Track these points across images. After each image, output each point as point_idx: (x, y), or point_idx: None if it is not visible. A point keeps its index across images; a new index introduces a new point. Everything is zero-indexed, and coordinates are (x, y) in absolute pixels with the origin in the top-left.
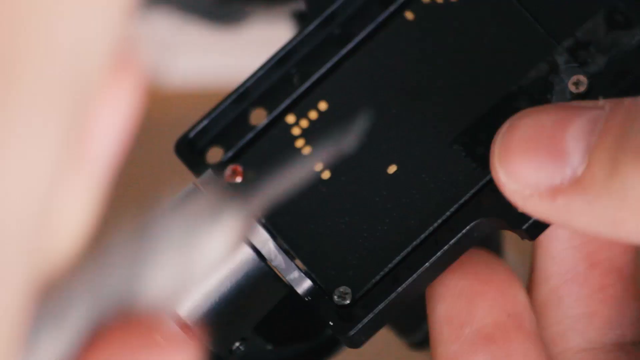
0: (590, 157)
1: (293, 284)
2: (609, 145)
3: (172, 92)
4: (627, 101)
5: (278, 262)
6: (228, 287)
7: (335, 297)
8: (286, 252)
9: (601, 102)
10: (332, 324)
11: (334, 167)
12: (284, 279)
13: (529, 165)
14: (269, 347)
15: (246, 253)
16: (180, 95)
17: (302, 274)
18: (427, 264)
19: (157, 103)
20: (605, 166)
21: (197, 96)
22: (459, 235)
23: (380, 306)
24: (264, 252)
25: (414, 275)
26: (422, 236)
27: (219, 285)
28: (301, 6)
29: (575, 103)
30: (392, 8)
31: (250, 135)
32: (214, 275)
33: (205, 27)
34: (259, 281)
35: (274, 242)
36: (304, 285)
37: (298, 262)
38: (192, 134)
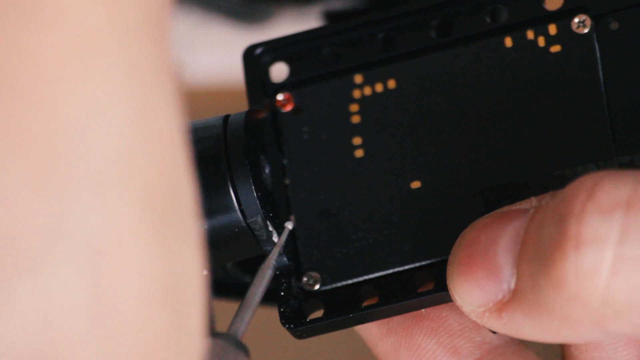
0: (517, 270)
1: (266, 251)
2: (528, 255)
3: (194, 90)
4: (545, 200)
5: (258, 226)
6: (206, 229)
7: (305, 279)
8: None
9: (533, 201)
10: (282, 310)
11: (368, 154)
12: (260, 243)
13: (472, 286)
14: (247, 278)
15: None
16: (203, 92)
17: (281, 249)
18: (395, 305)
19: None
20: (528, 278)
21: (220, 94)
22: (440, 292)
23: (333, 320)
24: (248, 214)
25: (380, 308)
26: (407, 267)
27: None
28: (331, 6)
29: (506, 208)
30: (498, 26)
31: (317, 72)
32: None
33: (229, 25)
34: (235, 235)
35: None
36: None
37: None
38: (263, 45)
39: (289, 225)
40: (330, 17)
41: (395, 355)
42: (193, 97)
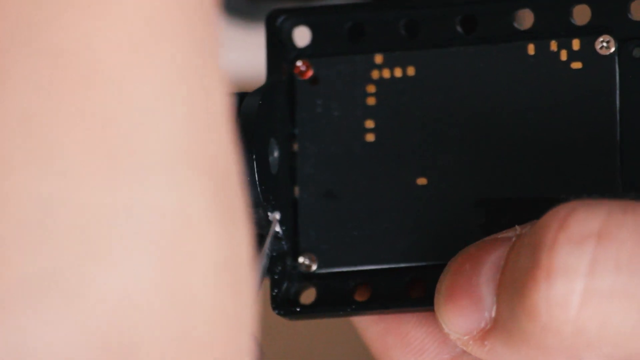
0: (497, 298)
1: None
2: (506, 284)
3: None
4: (526, 229)
5: (259, 218)
6: None
7: (301, 259)
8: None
9: (517, 230)
10: (274, 293)
11: (378, 140)
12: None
13: (456, 314)
14: None
15: None
16: None
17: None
18: (386, 310)
19: None
20: (506, 307)
21: None
22: (428, 306)
23: (322, 312)
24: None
25: (367, 311)
26: (402, 265)
27: None
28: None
29: (491, 237)
30: (523, 31)
31: (339, 45)
32: None
33: (233, 24)
34: None
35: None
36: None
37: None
38: (289, 10)
39: (277, 216)
40: None
41: (384, 341)
42: None
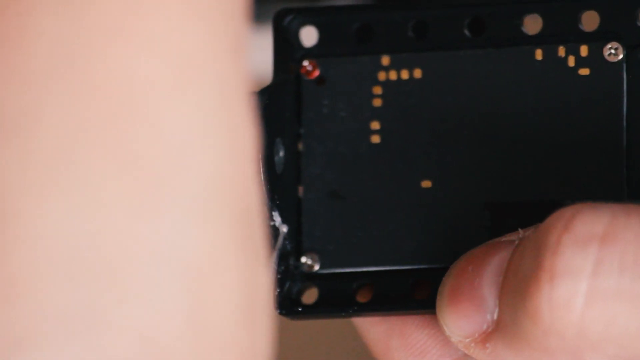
0: (499, 301)
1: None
2: (509, 286)
3: None
4: (530, 231)
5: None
6: None
7: (304, 259)
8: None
9: (520, 233)
10: (278, 290)
11: (384, 142)
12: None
13: (458, 316)
14: None
15: None
16: None
17: (284, 227)
18: (389, 312)
19: None
20: (509, 309)
21: None
22: (432, 309)
23: (324, 312)
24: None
25: (370, 312)
26: (406, 267)
27: None
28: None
29: (495, 240)
30: (531, 35)
31: (346, 46)
32: None
33: None
34: None
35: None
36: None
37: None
38: (297, 9)
39: (284, 229)
40: None
41: (386, 343)
42: None
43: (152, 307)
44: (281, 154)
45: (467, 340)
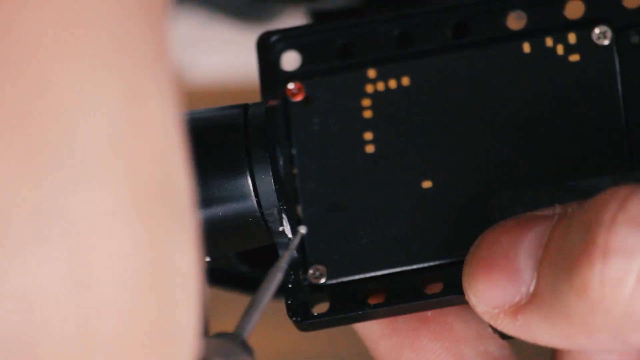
0: (538, 274)
1: (278, 244)
2: (551, 260)
3: (199, 89)
4: (571, 208)
5: (273, 218)
6: (219, 216)
7: (311, 271)
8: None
9: (557, 209)
10: (289, 302)
11: (379, 151)
12: (273, 235)
13: (489, 286)
14: (244, 268)
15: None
16: (207, 92)
17: (291, 241)
18: (401, 306)
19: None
20: (549, 283)
21: (224, 93)
22: (448, 296)
23: (338, 316)
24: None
25: (386, 308)
26: (415, 266)
27: (212, 211)
28: (324, 6)
29: (530, 214)
30: (517, 31)
31: (330, 64)
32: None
33: (234, 25)
34: (247, 224)
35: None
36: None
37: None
38: (279, 32)
39: (302, 230)
40: (317, 16)
41: (398, 355)
42: (197, 97)
43: (31, 265)
44: (281, 162)
45: (496, 311)
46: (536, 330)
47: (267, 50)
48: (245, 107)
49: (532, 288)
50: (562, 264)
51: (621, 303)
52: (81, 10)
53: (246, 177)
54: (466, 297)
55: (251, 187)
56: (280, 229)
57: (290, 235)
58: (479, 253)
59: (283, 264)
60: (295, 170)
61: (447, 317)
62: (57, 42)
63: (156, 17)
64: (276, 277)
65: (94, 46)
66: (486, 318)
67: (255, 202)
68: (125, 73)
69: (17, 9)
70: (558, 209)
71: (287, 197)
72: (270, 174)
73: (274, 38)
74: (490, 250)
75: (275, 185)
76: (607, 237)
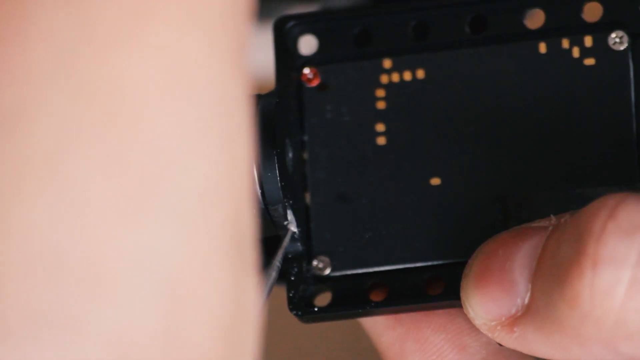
0: (532, 285)
1: (282, 237)
2: (544, 271)
3: None
4: (564, 218)
5: (278, 214)
6: None
7: (315, 262)
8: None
9: (552, 219)
10: (290, 295)
11: (390, 143)
12: (277, 229)
13: (486, 299)
14: None
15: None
16: None
17: (297, 233)
18: (403, 306)
19: None
20: (542, 294)
21: None
22: (450, 299)
23: (339, 312)
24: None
25: (388, 307)
26: (418, 264)
27: None
28: (333, 5)
29: (526, 225)
30: (534, 30)
31: (346, 51)
32: None
33: None
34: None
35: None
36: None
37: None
38: (296, 17)
39: (292, 227)
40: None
41: (401, 346)
42: None
43: (129, 311)
44: (290, 155)
45: (493, 323)
46: (532, 342)
47: (284, 35)
48: (257, 97)
49: (527, 300)
50: (555, 275)
51: (612, 313)
52: (184, 59)
53: (252, 174)
54: (464, 309)
55: (257, 184)
56: (285, 223)
57: (295, 230)
58: (476, 265)
59: (276, 263)
60: (306, 157)
61: (450, 309)
62: (163, 94)
63: (242, 52)
64: (271, 277)
65: (196, 96)
66: (484, 330)
67: (260, 197)
68: (222, 124)
69: (123, 59)
70: (553, 219)
71: (296, 185)
72: (277, 171)
73: (291, 23)
74: (487, 262)
75: (281, 182)
76: (596, 246)
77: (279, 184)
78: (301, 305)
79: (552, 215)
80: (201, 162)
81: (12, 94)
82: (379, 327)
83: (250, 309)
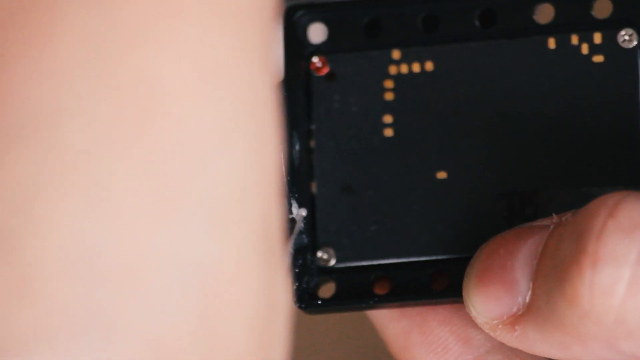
0: (533, 284)
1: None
2: (545, 270)
3: None
4: (565, 217)
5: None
6: None
7: (320, 253)
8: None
9: (554, 218)
10: (296, 285)
11: (397, 135)
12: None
13: (487, 298)
14: None
15: None
16: None
17: (301, 223)
18: (408, 302)
19: None
20: (543, 293)
21: None
22: (454, 295)
23: (343, 305)
24: None
25: (392, 302)
26: (423, 258)
27: None
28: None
29: (528, 224)
30: (543, 25)
31: (355, 41)
32: None
33: None
34: None
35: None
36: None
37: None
38: (305, 6)
39: (303, 213)
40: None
41: (406, 338)
42: None
43: (163, 311)
44: (297, 147)
45: (495, 322)
46: (533, 341)
47: (293, 24)
48: None
49: (527, 299)
50: (555, 274)
51: (612, 311)
52: (214, 60)
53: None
54: (466, 308)
55: None
56: (290, 217)
57: (304, 214)
58: (477, 265)
59: (290, 248)
60: (313, 146)
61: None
62: (193, 95)
63: (267, 48)
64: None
65: (227, 98)
66: (486, 329)
67: None
68: (252, 123)
69: (153, 61)
70: (555, 218)
71: (302, 175)
72: (282, 169)
73: (300, 12)
74: (488, 261)
75: (287, 177)
76: (596, 245)
77: (285, 179)
78: (305, 298)
79: (553, 214)
80: (233, 160)
81: (45, 95)
82: (384, 319)
83: (281, 308)
